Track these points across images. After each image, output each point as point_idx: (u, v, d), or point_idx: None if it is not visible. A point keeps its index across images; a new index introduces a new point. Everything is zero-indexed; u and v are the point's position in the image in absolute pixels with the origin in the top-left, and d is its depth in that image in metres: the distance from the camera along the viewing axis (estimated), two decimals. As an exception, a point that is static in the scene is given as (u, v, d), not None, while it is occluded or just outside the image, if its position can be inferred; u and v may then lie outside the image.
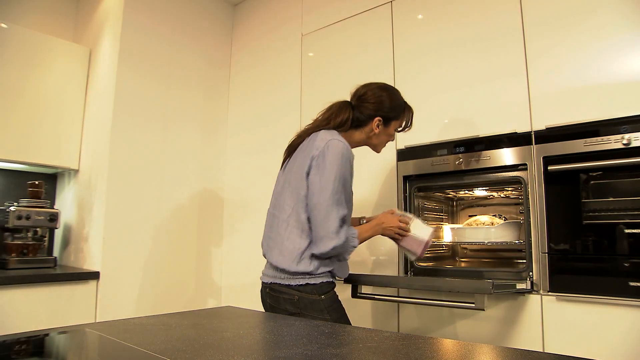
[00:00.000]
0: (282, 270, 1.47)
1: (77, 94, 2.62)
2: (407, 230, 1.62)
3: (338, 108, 1.60)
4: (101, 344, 0.85)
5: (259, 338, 0.89)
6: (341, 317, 1.48)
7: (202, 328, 0.97)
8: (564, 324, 1.56)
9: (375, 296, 1.70)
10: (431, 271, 1.98)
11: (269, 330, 0.99)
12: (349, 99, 1.66)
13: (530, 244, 1.66)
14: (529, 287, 1.63)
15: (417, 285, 1.69)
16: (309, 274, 1.44)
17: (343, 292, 2.19)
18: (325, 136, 1.49)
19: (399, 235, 1.62)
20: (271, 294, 1.50)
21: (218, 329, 0.98)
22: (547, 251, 1.62)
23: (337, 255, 1.49)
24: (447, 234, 2.03)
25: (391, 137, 1.67)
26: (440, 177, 1.96)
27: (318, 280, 1.45)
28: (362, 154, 2.05)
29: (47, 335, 0.89)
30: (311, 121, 1.63)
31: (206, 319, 1.09)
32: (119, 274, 2.35)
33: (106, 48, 2.54)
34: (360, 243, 1.53)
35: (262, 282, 1.57)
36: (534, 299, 1.63)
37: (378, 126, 1.60)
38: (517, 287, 1.61)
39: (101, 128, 2.46)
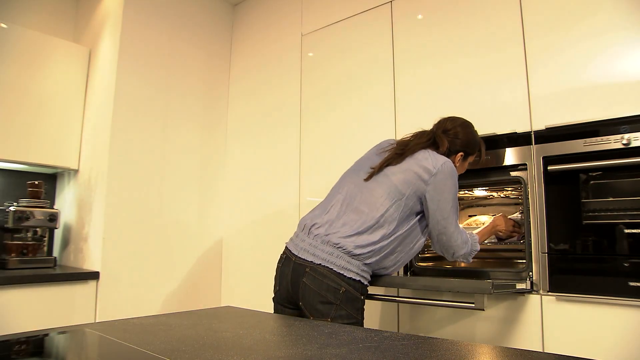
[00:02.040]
0: (348, 253, 1.45)
1: (77, 93, 2.62)
2: (519, 233, 1.82)
3: (437, 136, 1.67)
4: (101, 344, 0.85)
5: (259, 338, 0.89)
6: (363, 321, 1.53)
7: (202, 328, 0.97)
8: (564, 324, 1.56)
9: (375, 296, 1.70)
10: (431, 271, 1.98)
11: (269, 330, 0.99)
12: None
13: (530, 244, 1.66)
14: (528, 287, 1.63)
15: (416, 285, 1.69)
16: (361, 274, 1.48)
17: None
18: (440, 157, 1.57)
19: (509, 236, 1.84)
20: (313, 275, 1.44)
21: (218, 329, 0.98)
22: (546, 251, 1.62)
23: (465, 259, 1.62)
24: None
25: (465, 168, 1.77)
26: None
27: (364, 281, 1.50)
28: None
29: (46, 335, 0.89)
30: (408, 136, 1.70)
31: (206, 319, 1.09)
32: (119, 274, 2.35)
33: (106, 48, 2.54)
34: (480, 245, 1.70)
35: (301, 259, 1.49)
36: (533, 299, 1.63)
37: (459, 159, 1.70)
38: (517, 287, 1.61)
39: (101, 128, 2.46)
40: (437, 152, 1.61)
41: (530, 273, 1.65)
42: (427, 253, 2.11)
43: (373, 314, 2.06)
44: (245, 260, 2.73)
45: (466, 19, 1.96)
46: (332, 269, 1.44)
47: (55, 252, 2.64)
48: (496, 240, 1.90)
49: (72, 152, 2.58)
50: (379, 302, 2.02)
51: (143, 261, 2.47)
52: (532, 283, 1.64)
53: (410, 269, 1.99)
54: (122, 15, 2.47)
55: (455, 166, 1.63)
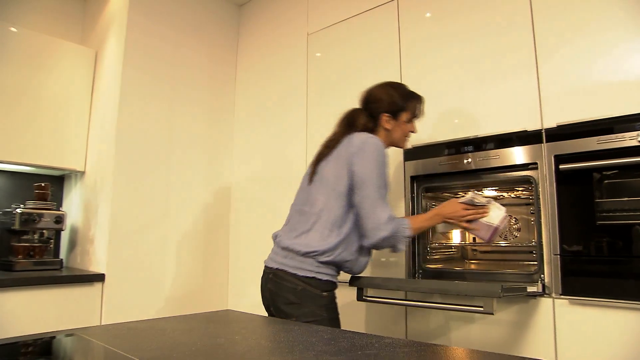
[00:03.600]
0: (297, 253, 1.50)
1: (83, 95, 2.61)
2: (474, 216, 1.61)
3: (353, 114, 1.68)
4: (88, 349, 0.82)
5: (254, 344, 0.86)
6: (335, 318, 1.52)
7: (196, 333, 0.94)
8: (578, 329, 1.50)
9: (381, 299, 1.66)
10: (439, 273, 1.93)
11: (265, 335, 0.96)
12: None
13: (541, 245, 1.60)
14: (540, 290, 1.58)
15: (423, 288, 1.64)
16: (316, 271, 1.49)
17: (347, 295, 2.16)
18: (361, 135, 1.56)
19: (465, 222, 1.62)
20: (274, 280, 1.53)
21: (213, 334, 0.94)
22: (559, 253, 1.56)
23: (391, 247, 1.53)
24: None
25: (408, 129, 1.70)
26: (448, 177, 1.91)
27: (324, 277, 1.50)
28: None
29: (34, 340, 0.86)
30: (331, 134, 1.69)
31: (203, 324, 1.06)
32: (125, 276, 2.34)
33: (111, 50, 2.54)
34: (417, 233, 1.60)
35: (266, 267, 1.60)
36: (545, 302, 1.58)
37: (388, 122, 1.65)
38: (528, 290, 1.55)
39: (106, 129, 2.46)
40: (361, 131, 1.60)
41: (542, 275, 1.59)
42: (436, 254, 2.07)
43: (380, 317, 2.02)
44: (253, 260, 2.70)
45: (475, 15, 1.91)
46: (287, 270, 1.50)
47: (62, 254, 2.64)
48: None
49: (79, 154, 2.58)
50: (386, 306, 1.97)
51: (149, 263, 2.46)
52: (544, 286, 1.58)
53: (418, 270, 1.94)
54: (126, 16, 2.46)
55: (388, 131, 1.65)
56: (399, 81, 1.99)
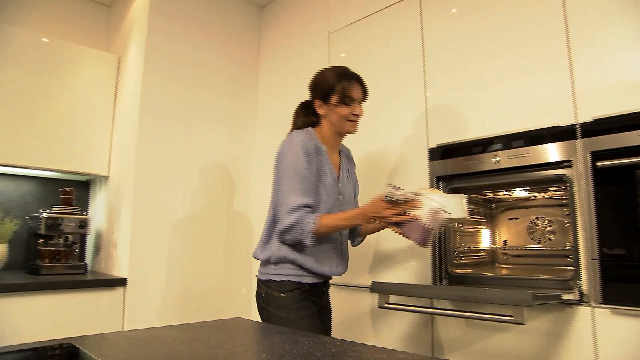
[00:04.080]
0: (260, 260, 1.60)
1: (107, 100, 2.64)
2: (399, 218, 1.40)
3: (295, 111, 1.74)
4: (75, 362, 0.78)
5: (253, 356, 0.80)
6: (301, 319, 1.49)
7: (197, 344, 0.89)
8: (620, 341, 1.37)
9: (403, 307, 1.57)
10: (467, 278, 1.82)
11: (269, 347, 0.90)
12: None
13: (577, 249, 1.48)
14: (577, 297, 1.45)
15: (445, 295, 1.55)
16: (272, 273, 1.54)
17: (368, 301, 2.07)
18: (285, 138, 1.62)
19: (393, 224, 1.45)
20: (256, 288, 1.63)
21: (214, 344, 0.89)
22: (598, 257, 1.44)
23: (298, 242, 1.49)
24: None
25: (345, 111, 1.61)
26: (476, 177, 1.80)
27: (280, 279, 1.53)
28: (385, 155, 1.92)
29: (24, 350, 0.83)
30: None
31: (207, 333, 1.00)
32: (146, 280, 2.33)
33: (133, 55, 2.55)
34: (329, 230, 1.50)
35: None
36: (584, 311, 1.45)
37: (321, 107, 1.64)
38: (563, 298, 1.43)
39: (128, 134, 2.46)
40: (293, 129, 1.67)
41: (579, 282, 1.47)
42: (464, 258, 1.96)
43: (405, 325, 1.93)
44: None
45: (502, 8, 1.80)
46: (258, 277, 1.61)
47: (88, 258, 2.66)
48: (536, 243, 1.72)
49: (103, 159, 2.59)
50: (412, 314, 1.88)
51: (170, 268, 2.44)
52: (581, 293, 1.46)
53: (445, 275, 1.84)
54: (147, 20, 2.46)
55: (325, 118, 1.64)
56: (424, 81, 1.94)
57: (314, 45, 2.60)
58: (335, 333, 1.86)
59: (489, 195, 2.03)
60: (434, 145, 1.94)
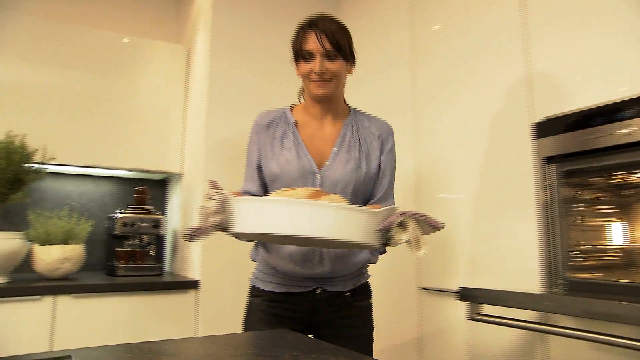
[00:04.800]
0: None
1: (178, 95, 2.56)
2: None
3: None
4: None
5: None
6: (248, 325, 1.34)
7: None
8: None
9: (501, 320, 1.22)
10: (593, 285, 1.40)
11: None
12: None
13: None
14: None
15: (566, 309, 1.17)
16: (253, 276, 1.42)
17: (456, 311, 1.72)
18: None
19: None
20: None
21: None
22: None
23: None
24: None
25: (303, 69, 1.28)
26: (597, 155, 1.38)
27: (251, 282, 1.41)
28: (477, 136, 1.57)
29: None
30: None
31: (230, 349, 0.77)
32: (219, 283, 2.19)
33: (201, 44, 2.43)
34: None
35: None
36: None
37: (296, 69, 1.33)
38: None
39: (197, 129, 2.35)
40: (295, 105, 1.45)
41: None
42: (588, 259, 1.53)
43: (507, 344, 1.55)
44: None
45: None
46: None
47: (167, 259, 2.61)
48: None
49: (176, 155, 2.52)
50: (518, 330, 1.50)
51: (244, 270, 2.28)
52: None
53: (559, 281, 1.44)
54: (212, 7, 2.33)
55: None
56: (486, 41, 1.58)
57: (396, 20, 2.28)
58: (421, 346, 1.55)
59: (619, 178, 1.57)
60: (539, 119, 1.54)
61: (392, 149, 1.40)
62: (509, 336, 1.56)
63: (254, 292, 1.37)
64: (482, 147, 1.77)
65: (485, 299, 1.31)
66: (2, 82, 2.15)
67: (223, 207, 1.02)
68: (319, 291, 1.31)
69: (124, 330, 2.01)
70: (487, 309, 1.38)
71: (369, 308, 1.40)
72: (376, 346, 1.40)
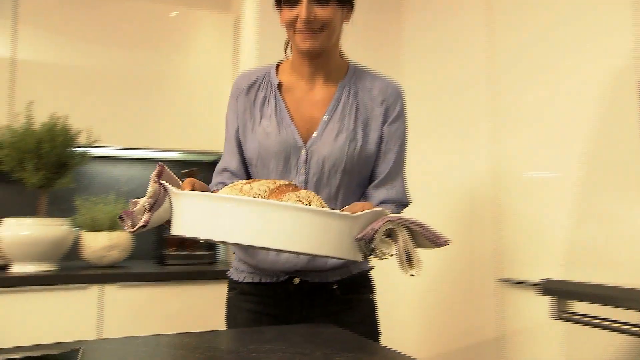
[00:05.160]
0: None
1: (226, 68, 2.36)
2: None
3: None
4: None
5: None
6: (228, 323, 1.16)
7: None
8: None
9: (596, 320, 0.93)
10: None
11: None
12: None
13: None
14: None
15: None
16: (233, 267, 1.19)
17: (538, 309, 1.39)
18: None
19: None
20: None
21: None
22: None
23: None
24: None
25: (286, 16, 1.01)
26: None
27: (231, 275, 1.17)
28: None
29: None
30: None
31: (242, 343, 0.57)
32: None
33: (249, 12, 2.21)
34: None
35: None
36: None
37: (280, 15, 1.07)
38: None
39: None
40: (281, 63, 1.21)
41: None
42: None
43: (606, 348, 1.21)
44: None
45: None
46: None
47: (219, 246, 2.46)
48: None
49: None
50: (592, 328, 1.15)
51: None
52: None
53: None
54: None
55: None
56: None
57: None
58: (501, 348, 1.26)
59: None
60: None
61: (400, 117, 1.12)
62: (618, 342, 1.22)
63: (230, 284, 1.17)
64: (580, 117, 1.40)
65: (574, 295, 1.01)
66: (42, 62, 2.08)
67: (159, 204, 0.78)
68: (296, 281, 1.08)
69: (174, 321, 1.91)
70: (580, 307, 1.07)
71: (368, 304, 1.15)
72: (445, 347, 1.14)
